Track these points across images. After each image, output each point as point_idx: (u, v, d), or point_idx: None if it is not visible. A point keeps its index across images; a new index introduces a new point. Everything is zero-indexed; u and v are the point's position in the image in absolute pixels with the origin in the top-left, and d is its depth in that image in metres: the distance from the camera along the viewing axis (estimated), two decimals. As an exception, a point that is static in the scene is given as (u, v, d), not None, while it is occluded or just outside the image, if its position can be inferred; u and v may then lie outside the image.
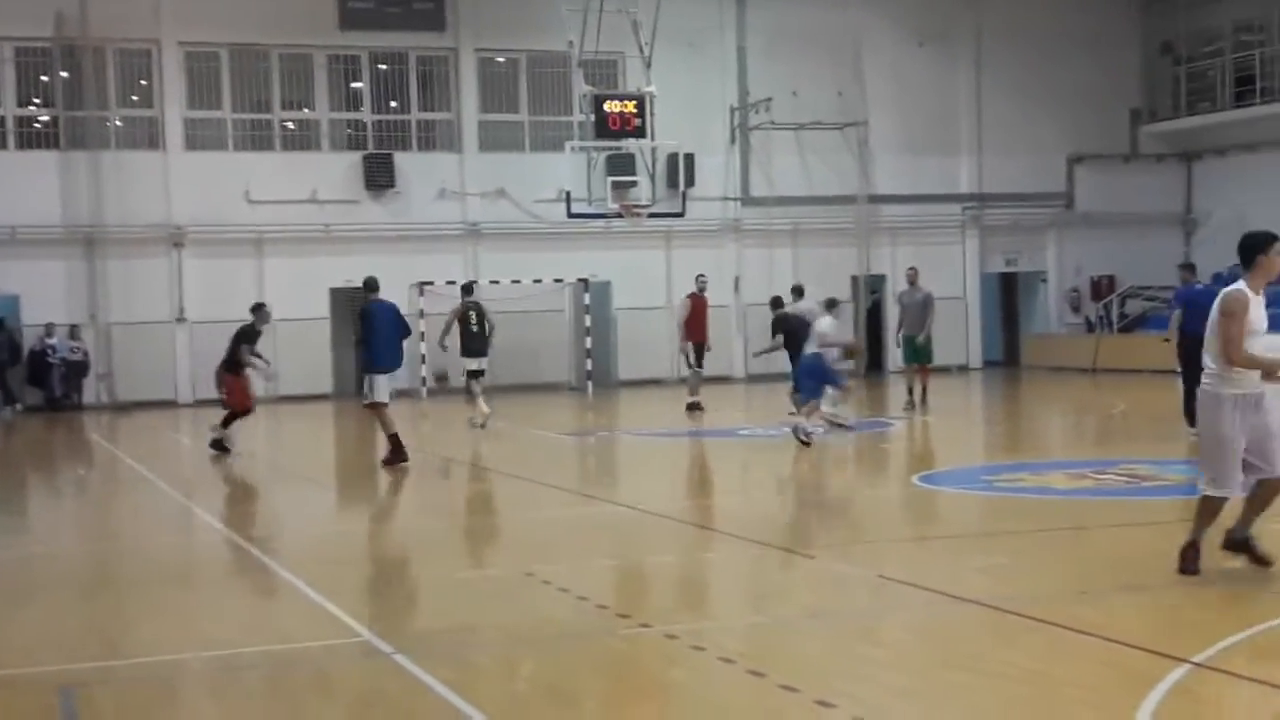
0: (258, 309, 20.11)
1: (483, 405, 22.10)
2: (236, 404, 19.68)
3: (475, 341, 22.52)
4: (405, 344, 18.72)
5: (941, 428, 21.33)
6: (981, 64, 35.88)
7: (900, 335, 23.82)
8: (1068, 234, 36.90)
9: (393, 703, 7.00)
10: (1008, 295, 37.93)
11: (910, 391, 23.14)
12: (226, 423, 19.59)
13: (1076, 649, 7.60)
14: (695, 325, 24.70)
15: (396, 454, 17.34)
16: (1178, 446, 17.65)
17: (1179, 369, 18.57)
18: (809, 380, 18.79)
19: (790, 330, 20.51)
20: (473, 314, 22.74)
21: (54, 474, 20.05)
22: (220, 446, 19.41)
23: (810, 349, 18.92)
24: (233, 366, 19.55)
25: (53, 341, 29.61)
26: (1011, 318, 38.02)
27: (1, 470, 20.88)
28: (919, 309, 23.41)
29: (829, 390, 19.10)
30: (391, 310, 18.22)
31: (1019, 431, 22.48)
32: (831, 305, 20.35)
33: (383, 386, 17.67)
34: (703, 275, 25.93)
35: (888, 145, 35.19)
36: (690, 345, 24.68)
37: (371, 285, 18.29)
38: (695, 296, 24.99)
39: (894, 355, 33.61)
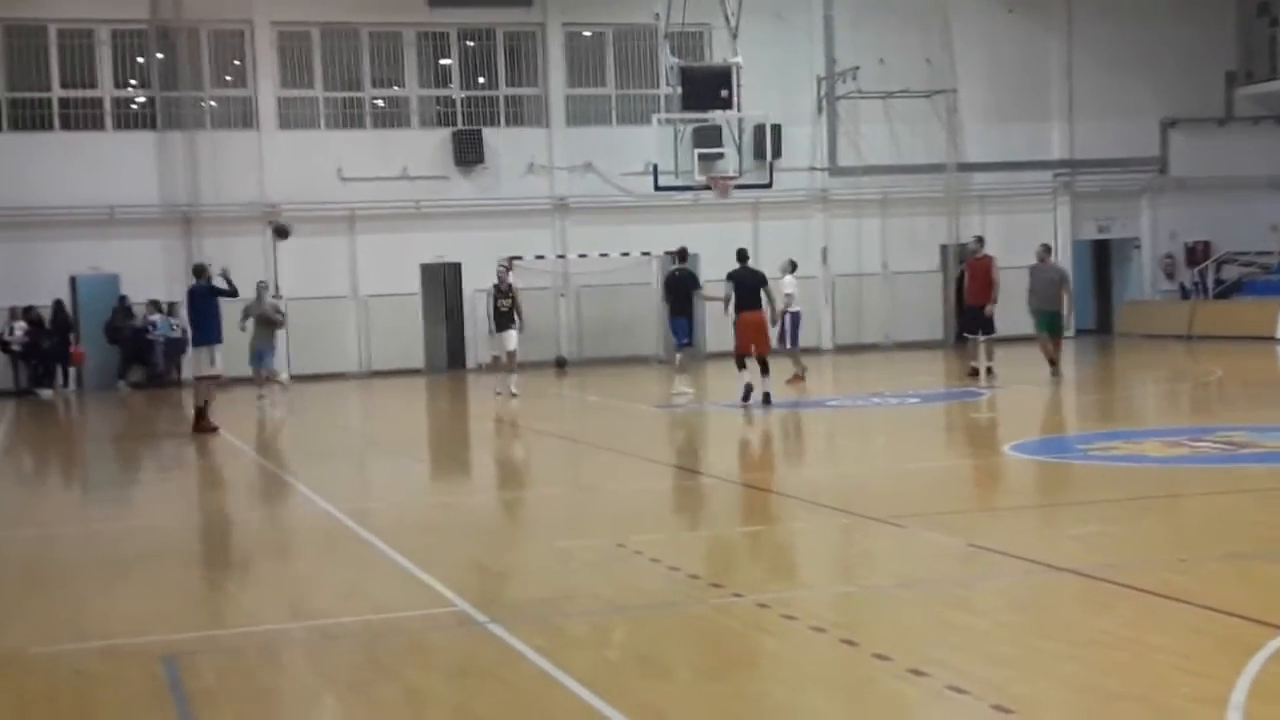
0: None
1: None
2: (764, 348, 20.33)
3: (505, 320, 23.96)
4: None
5: (1035, 397, 21.13)
6: (1072, 27, 35.40)
7: (1031, 308, 22.92)
8: (1162, 199, 36.36)
9: (487, 670, 7.08)
10: (1101, 262, 37.47)
11: (1051, 362, 22.54)
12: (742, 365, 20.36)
13: (1173, 617, 7.53)
14: (974, 289, 23.53)
15: (199, 423, 19.70)
16: (1276, 413, 17.40)
17: None
18: None
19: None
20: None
21: (157, 447, 20.37)
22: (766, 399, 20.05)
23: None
24: (758, 306, 20.33)
25: (154, 319, 30.16)
26: (1105, 285, 37.56)
27: (103, 444, 21.33)
28: (1052, 285, 22.62)
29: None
30: (204, 291, 19.91)
31: (1113, 400, 22.21)
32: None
33: (203, 359, 19.77)
34: (976, 236, 25.00)
35: (977, 112, 34.86)
36: (967, 311, 23.69)
37: (196, 271, 20.30)
38: (971, 260, 23.97)
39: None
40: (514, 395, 23.12)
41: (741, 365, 20.49)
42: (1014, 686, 6.43)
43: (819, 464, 15.59)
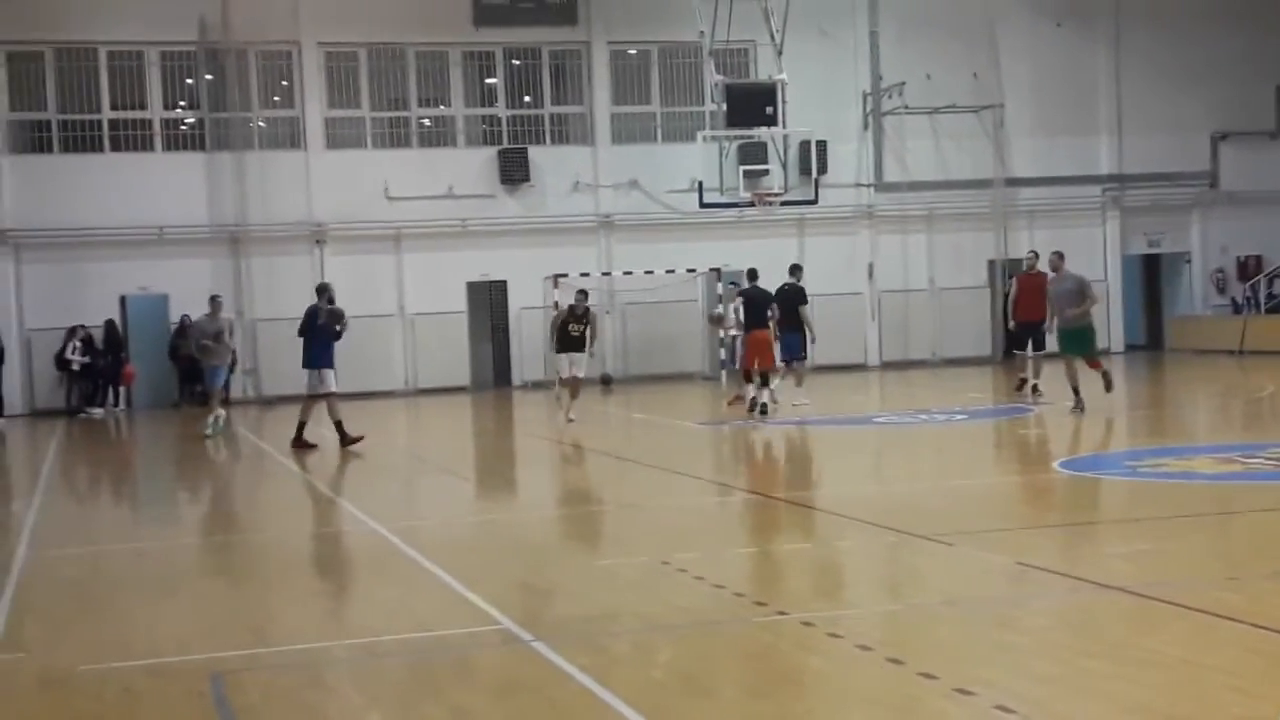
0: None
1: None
2: (767, 363, 21.71)
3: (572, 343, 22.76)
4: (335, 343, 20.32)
5: (1083, 414, 20.92)
6: (1121, 41, 35.19)
7: (1055, 326, 20.99)
8: (1212, 213, 36.06)
9: (532, 689, 7.08)
10: (1150, 277, 37.17)
11: (1075, 390, 20.24)
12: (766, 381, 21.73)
13: (1224, 635, 7.44)
14: (1022, 305, 22.64)
15: (298, 438, 19.65)
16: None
17: None
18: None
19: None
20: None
21: (207, 466, 20.49)
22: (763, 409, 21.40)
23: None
24: (765, 324, 21.73)
25: (210, 339, 30.32)
26: (1154, 300, 37.26)
27: (154, 462, 21.49)
28: (1070, 298, 20.40)
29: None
30: (313, 313, 20.11)
31: (1163, 416, 22.01)
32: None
33: (313, 380, 19.88)
34: (1032, 251, 24.02)
35: (1024, 127, 34.70)
36: (1017, 327, 23.01)
37: (318, 290, 20.74)
38: (1021, 276, 23.26)
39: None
40: (571, 420, 22.41)
41: (749, 379, 21.83)
42: (1061, 706, 6.37)
43: (865, 481, 15.51)
